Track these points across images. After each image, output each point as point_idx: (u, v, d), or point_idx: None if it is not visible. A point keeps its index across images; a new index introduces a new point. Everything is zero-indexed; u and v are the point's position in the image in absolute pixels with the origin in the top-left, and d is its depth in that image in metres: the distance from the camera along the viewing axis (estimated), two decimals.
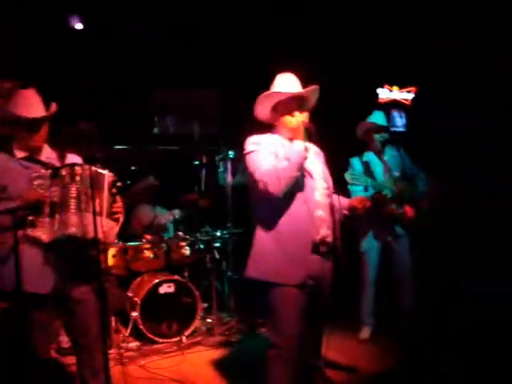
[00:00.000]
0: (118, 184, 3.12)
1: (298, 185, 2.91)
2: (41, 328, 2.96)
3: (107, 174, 3.05)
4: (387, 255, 4.76)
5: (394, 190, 4.57)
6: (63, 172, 2.91)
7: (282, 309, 2.91)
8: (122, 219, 3.14)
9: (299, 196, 2.93)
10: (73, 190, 2.88)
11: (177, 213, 5.79)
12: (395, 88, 7.78)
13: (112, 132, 5.60)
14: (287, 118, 3.01)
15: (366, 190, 4.59)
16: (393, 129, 7.32)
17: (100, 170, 3.02)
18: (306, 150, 2.90)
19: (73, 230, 2.83)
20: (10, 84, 6.23)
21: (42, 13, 5.75)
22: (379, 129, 4.76)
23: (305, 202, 2.93)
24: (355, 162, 4.76)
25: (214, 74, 6.63)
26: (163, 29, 6.21)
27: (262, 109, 3.10)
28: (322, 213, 2.97)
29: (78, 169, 2.93)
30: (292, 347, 2.90)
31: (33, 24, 5.78)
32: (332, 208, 3.05)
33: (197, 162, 5.69)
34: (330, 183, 3.13)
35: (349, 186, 4.62)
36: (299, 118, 2.97)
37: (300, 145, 2.90)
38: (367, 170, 4.67)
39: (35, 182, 2.90)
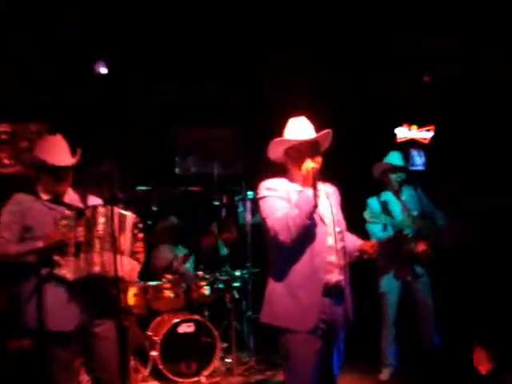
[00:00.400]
0: (140, 225, 3.23)
1: (309, 231, 2.91)
2: (63, 366, 3.02)
3: (130, 216, 3.16)
4: (408, 295, 4.74)
5: (413, 228, 4.59)
6: (88, 213, 3.01)
7: (295, 354, 2.91)
8: (142, 259, 3.24)
9: (311, 242, 2.94)
10: (97, 231, 2.99)
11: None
12: (414, 127, 7.81)
13: (134, 173, 5.75)
14: (298, 165, 2.99)
15: (384, 229, 4.62)
16: (412, 168, 7.33)
17: (123, 212, 3.13)
18: (316, 197, 2.87)
19: (97, 268, 2.93)
20: (36, 126, 6.45)
21: (66, 56, 5.94)
22: (396, 169, 4.81)
23: (317, 248, 2.93)
24: (372, 202, 4.79)
25: (235, 114, 6.77)
26: (183, 68, 6.36)
27: (275, 153, 3.12)
28: (334, 258, 2.96)
29: (101, 210, 3.03)
30: None
31: (56, 66, 5.97)
32: (344, 252, 3.05)
33: (217, 203, 5.76)
34: (343, 226, 3.12)
35: (367, 226, 4.65)
36: (309, 166, 2.92)
37: (309, 193, 2.87)
38: (385, 209, 4.69)
39: (60, 223, 2.97)
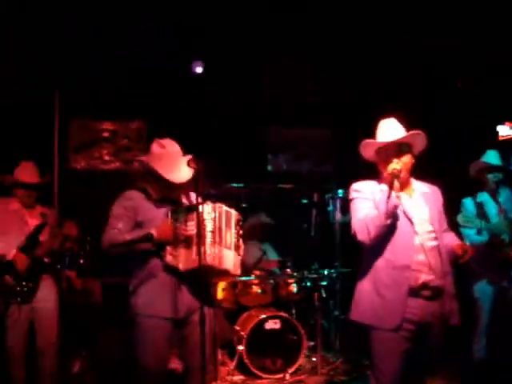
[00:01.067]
0: (241, 222, 3.36)
1: (394, 231, 2.95)
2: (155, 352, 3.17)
3: (235, 213, 3.30)
4: (503, 302, 4.51)
5: (509, 232, 4.36)
6: (199, 208, 3.09)
7: (378, 352, 2.97)
8: (242, 254, 3.39)
9: (397, 242, 2.96)
10: (209, 225, 3.09)
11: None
12: None
13: (228, 170, 5.87)
14: (386, 166, 3.01)
15: (479, 233, 4.42)
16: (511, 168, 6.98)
17: (228, 209, 3.25)
18: (391, 197, 2.87)
19: (209, 260, 3.03)
20: (136, 124, 6.73)
21: (166, 57, 6.15)
22: (493, 168, 4.59)
23: (402, 248, 2.95)
24: (468, 203, 4.60)
25: (327, 114, 6.75)
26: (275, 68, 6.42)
27: (367, 153, 3.18)
28: (422, 257, 2.93)
29: (212, 206, 3.14)
30: None
31: (156, 67, 6.20)
32: (440, 251, 3.00)
33: (305, 201, 5.76)
34: (437, 226, 3.07)
35: (461, 229, 4.47)
36: (392, 166, 2.94)
37: (387, 193, 2.88)
38: (480, 211, 4.49)
39: (171, 217, 3.14)
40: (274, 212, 6.10)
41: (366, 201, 3.04)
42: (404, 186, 3.08)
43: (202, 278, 3.06)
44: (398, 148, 3.05)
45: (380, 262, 2.99)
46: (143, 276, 3.17)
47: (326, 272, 5.40)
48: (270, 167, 6.99)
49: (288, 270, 5.53)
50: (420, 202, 3.09)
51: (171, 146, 3.29)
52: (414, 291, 2.91)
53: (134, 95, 6.32)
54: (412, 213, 3.01)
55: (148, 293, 3.15)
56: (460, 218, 4.19)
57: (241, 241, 3.33)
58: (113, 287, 5.14)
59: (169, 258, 3.09)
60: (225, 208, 3.21)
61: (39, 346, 4.00)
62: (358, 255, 3.14)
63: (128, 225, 3.16)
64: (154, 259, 3.14)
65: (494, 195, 4.59)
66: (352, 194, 3.12)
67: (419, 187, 3.17)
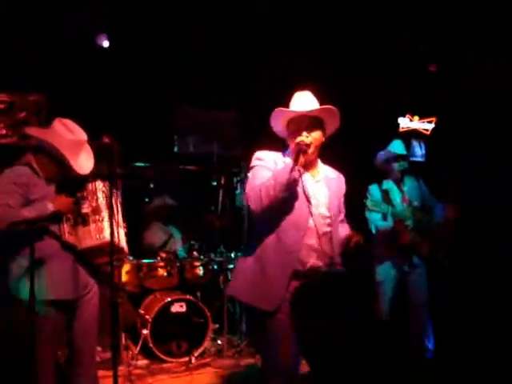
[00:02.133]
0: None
1: (289, 209, 2.85)
2: (52, 337, 3.01)
3: (98, 183, 3.20)
4: (403, 286, 4.71)
5: (413, 219, 4.56)
6: (91, 186, 3.10)
7: (260, 333, 2.89)
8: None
9: (291, 221, 2.86)
10: (100, 203, 3.08)
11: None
12: (416, 118, 7.76)
13: (132, 149, 5.67)
14: (294, 138, 2.91)
15: (384, 218, 4.59)
16: (412, 158, 7.29)
17: (97, 182, 3.18)
18: (297, 172, 2.76)
19: (107, 238, 2.97)
20: (34, 97, 6.36)
21: (69, 30, 5.85)
22: (398, 157, 4.76)
23: (295, 228, 2.85)
24: (374, 190, 4.75)
25: (235, 95, 6.69)
26: (187, 47, 6.27)
27: (276, 124, 3.04)
28: (314, 241, 2.87)
29: (100, 183, 3.12)
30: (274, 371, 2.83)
31: (57, 37, 5.88)
32: (331, 238, 2.97)
33: (215, 183, 5.70)
34: (335, 212, 3.03)
35: (366, 214, 4.62)
36: (300, 138, 2.84)
37: (289, 165, 2.74)
38: (386, 197, 4.66)
39: (65, 195, 3.07)
40: (181, 194, 6.00)
41: (266, 169, 2.90)
42: (310, 165, 3.00)
43: (97, 257, 3.00)
44: (309, 121, 2.92)
45: (270, 240, 2.86)
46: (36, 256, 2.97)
47: (232, 255, 5.38)
48: (176, 148, 6.85)
49: (194, 252, 5.47)
50: (322, 186, 3.02)
51: (80, 134, 3.19)
52: (299, 274, 2.84)
53: (34, 66, 5.95)
54: (312, 194, 2.93)
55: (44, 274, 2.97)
56: (368, 202, 4.33)
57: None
58: None
59: (67, 237, 2.97)
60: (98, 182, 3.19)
61: None
62: (247, 228, 3.11)
63: (19, 202, 2.98)
64: (48, 238, 3.00)
65: (398, 184, 4.77)
66: (253, 162, 2.98)
67: (325, 171, 3.10)
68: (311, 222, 2.87)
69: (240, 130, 6.88)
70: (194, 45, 6.21)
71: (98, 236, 2.95)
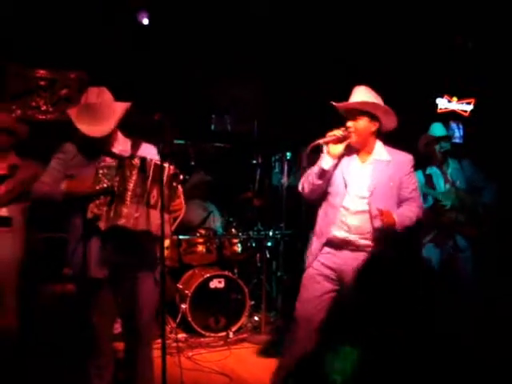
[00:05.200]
0: (180, 177, 3.10)
1: (330, 191, 3.28)
2: (100, 311, 3.05)
3: (168, 167, 2.97)
4: (449, 267, 4.72)
5: (456, 200, 4.56)
6: (126, 163, 2.92)
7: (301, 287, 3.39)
8: (181, 214, 3.14)
9: (330, 200, 3.29)
10: (130, 182, 2.90)
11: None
12: (454, 99, 7.66)
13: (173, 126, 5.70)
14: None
15: (425, 200, 4.59)
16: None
17: (160, 163, 2.95)
18: (328, 161, 3.19)
19: (123, 221, 2.85)
20: (76, 74, 6.43)
21: (112, 9, 5.89)
22: (439, 139, 4.75)
23: (332, 207, 3.27)
24: (418, 175, 4.76)
25: (273, 76, 6.68)
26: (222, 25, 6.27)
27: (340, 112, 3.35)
28: (347, 218, 3.22)
29: (136, 161, 2.93)
30: (297, 323, 3.33)
31: (99, 14, 5.93)
32: (370, 216, 3.20)
33: (253, 162, 5.73)
34: (382, 192, 3.23)
35: None
36: (334, 132, 3.21)
37: (322, 157, 3.24)
38: (429, 182, 4.69)
39: (100, 172, 2.92)
40: (219, 172, 6.05)
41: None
42: (361, 150, 3.29)
43: (130, 239, 2.93)
44: (354, 112, 3.23)
45: (319, 216, 3.37)
46: (69, 233, 3.05)
47: (270, 233, 5.43)
48: (213, 126, 6.88)
49: (233, 229, 5.53)
50: (368, 168, 3.27)
51: (96, 96, 3.02)
52: (332, 243, 3.26)
53: (76, 43, 6.01)
54: (351, 176, 3.24)
55: (75, 250, 2.99)
56: None
57: (178, 201, 3.07)
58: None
59: (90, 215, 2.89)
60: (154, 162, 2.95)
61: None
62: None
63: (53, 177, 3.00)
64: (77, 216, 2.97)
65: (441, 167, 4.77)
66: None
67: (379, 154, 3.30)
68: (345, 201, 3.20)
69: (277, 109, 6.88)
70: (235, 22, 6.20)
71: (113, 218, 2.89)
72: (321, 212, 3.37)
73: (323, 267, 3.27)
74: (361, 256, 3.09)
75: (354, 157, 3.30)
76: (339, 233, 3.22)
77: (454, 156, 4.82)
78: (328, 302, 3.25)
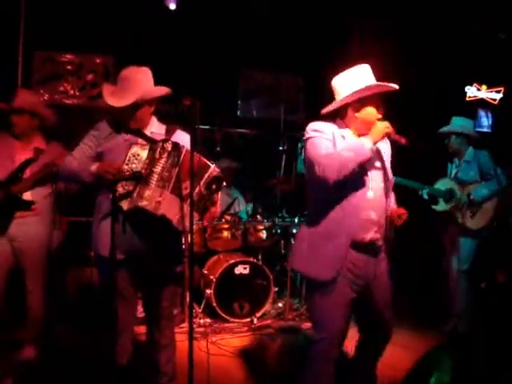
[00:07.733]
0: (223, 184, 3.04)
1: (353, 182, 2.79)
2: (121, 294, 3.06)
3: (213, 168, 2.94)
4: None
5: (463, 194, 4.68)
6: (157, 146, 2.90)
7: (315, 303, 2.92)
8: (213, 216, 3.18)
9: (351, 194, 2.81)
10: (158, 165, 2.87)
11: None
12: (484, 87, 7.54)
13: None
14: (358, 109, 2.88)
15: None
16: (478, 129, 7.11)
17: (205, 161, 2.93)
18: (373, 151, 2.78)
19: (144, 203, 2.82)
20: (102, 59, 6.45)
21: None
22: (452, 135, 4.78)
23: (354, 201, 2.81)
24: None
25: (301, 60, 6.64)
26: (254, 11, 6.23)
27: (343, 98, 2.90)
28: (372, 215, 2.85)
29: (168, 145, 2.90)
30: (329, 342, 2.86)
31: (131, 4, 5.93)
32: (386, 209, 2.92)
33: (279, 148, 5.70)
34: (388, 184, 2.95)
35: None
36: (384, 124, 2.81)
37: (369, 144, 2.74)
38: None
39: (131, 151, 2.90)
40: (244, 158, 6.04)
41: (327, 141, 2.81)
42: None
43: (154, 224, 2.86)
44: (379, 97, 2.88)
45: (329, 211, 2.82)
46: (94, 215, 3.06)
47: (296, 220, 5.42)
48: (239, 112, 6.86)
49: (258, 216, 5.53)
50: (378, 158, 2.96)
51: (132, 71, 3.01)
52: (360, 248, 2.83)
53: (102, 28, 6.02)
54: (370, 167, 2.88)
55: (97, 231, 3.03)
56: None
57: (214, 210, 3.03)
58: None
59: (115, 194, 2.83)
60: (199, 157, 2.88)
61: (27, 285, 3.87)
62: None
63: (84, 153, 3.02)
64: (102, 197, 3.00)
65: (459, 160, 4.83)
66: (310, 133, 2.84)
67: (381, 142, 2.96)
68: (370, 194, 2.85)
69: (303, 95, 6.84)
70: (258, 8, 6.16)
71: (135, 199, 2.86)
72: (336, 208, 2.81)
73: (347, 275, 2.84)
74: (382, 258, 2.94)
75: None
76: (367, 234, 2.84)
77: (480, 148, 4.79)
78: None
